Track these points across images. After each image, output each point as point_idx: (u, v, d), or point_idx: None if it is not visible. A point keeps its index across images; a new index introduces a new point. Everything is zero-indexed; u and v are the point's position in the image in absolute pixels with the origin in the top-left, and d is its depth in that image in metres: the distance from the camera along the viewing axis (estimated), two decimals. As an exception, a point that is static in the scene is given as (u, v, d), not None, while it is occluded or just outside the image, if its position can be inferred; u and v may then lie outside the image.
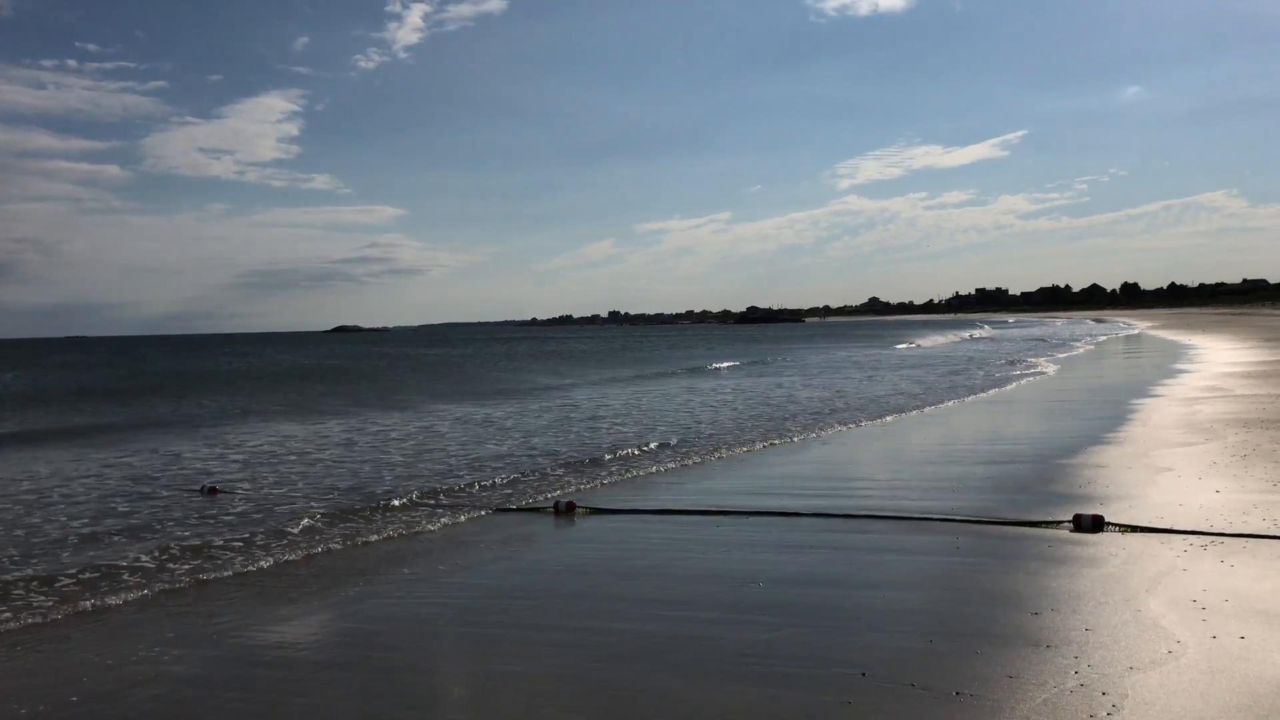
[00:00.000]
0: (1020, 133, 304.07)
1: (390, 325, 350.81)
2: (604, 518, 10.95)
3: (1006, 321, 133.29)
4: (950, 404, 22.58)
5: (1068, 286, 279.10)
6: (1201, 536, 8.46)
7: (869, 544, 9.01)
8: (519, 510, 11.55)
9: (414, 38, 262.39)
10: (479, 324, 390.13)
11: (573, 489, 12.77)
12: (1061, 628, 6.24)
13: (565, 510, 11.33)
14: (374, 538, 10.17)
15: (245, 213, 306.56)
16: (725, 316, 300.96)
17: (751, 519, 10.42)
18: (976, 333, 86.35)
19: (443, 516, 11.18)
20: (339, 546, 9.75)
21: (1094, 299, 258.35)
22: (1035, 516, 9.67)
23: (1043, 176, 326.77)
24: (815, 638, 6.37)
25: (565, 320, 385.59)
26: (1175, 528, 8.77)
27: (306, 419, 23.89)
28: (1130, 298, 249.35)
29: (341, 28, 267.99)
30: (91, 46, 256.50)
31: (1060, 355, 42.53)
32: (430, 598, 7.85)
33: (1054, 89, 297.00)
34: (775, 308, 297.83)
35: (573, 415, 22.89)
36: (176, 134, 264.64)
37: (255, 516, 11.37)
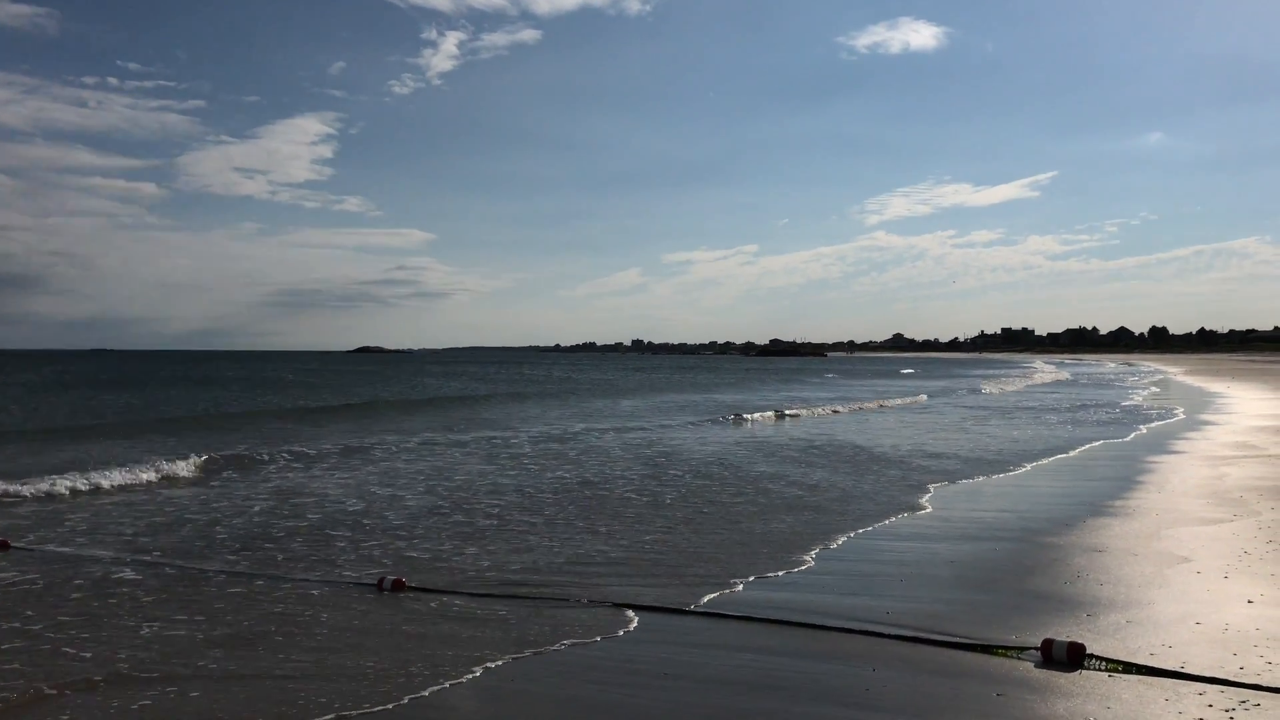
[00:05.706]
0: (1050, 174, 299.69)
1: (414, 347, 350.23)
2: (433, 598, 8.35)
3: (1063, 360, 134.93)
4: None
5: (1094, 329, 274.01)
6: (1227, 688, 5.70)
7: (737, 672, 6.27)
8: (338, 584, 8.94)
9: (448, 65, 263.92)
10: (503, 348, 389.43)
11: (438, 557, 10.12)
12: None
13: (391, 589, 8.72)
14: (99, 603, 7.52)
15: (276, 232, 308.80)
16: (748, 348, 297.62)
17: (604, 611, 7.76)
18: (1057, 374, 79.67)
19: (235, 588, 8.60)
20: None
21: (1121, 342, 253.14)
22: (993, 634, 6.95)
23: (1072, 218, 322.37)
24: None
25: (589, 347, 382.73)
26: (1187, 670, 6.01)
27: (202, 440, 20.84)
28: (1158, 342, 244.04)
29: (378, 53, 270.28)
30: (133, 65, 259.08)
31: (1155, 402, 39.43)
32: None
33: (1083, 132, 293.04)
34: (799, 340, 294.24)
35: (503, 453, 20.22)
36: (212, 153, 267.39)
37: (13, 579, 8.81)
